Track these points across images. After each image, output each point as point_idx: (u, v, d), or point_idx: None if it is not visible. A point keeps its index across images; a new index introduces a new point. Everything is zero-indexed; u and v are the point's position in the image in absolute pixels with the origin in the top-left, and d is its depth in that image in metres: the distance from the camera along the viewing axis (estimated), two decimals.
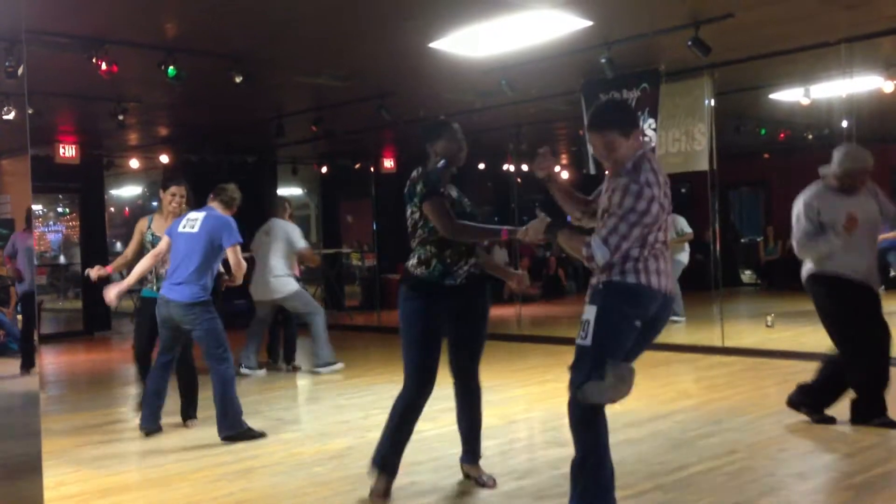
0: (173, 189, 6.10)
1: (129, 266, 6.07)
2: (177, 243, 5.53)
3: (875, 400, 5.14)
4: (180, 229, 5.55)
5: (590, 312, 3.49)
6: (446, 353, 4.19)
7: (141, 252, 6.09)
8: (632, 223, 3.39)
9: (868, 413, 5.16)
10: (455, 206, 4.02)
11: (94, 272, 5.99)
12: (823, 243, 5.02)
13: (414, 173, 3.99)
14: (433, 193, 3.87)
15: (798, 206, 5.18)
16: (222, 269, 5.77)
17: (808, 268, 5.26)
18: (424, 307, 3.99)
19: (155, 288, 5.94)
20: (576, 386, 3.45)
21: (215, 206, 5.67)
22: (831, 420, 5.28)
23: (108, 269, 6.14)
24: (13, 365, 8.38)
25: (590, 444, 3.48)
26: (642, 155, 3.53)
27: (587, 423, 3.48)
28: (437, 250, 3.96)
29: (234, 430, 5.43)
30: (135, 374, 6.27)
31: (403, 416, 4.06)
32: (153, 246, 5.93)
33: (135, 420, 6.02)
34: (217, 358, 5.45)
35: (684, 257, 10.41)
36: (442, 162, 4.01)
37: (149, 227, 6.14)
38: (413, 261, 4.04)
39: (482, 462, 4.38)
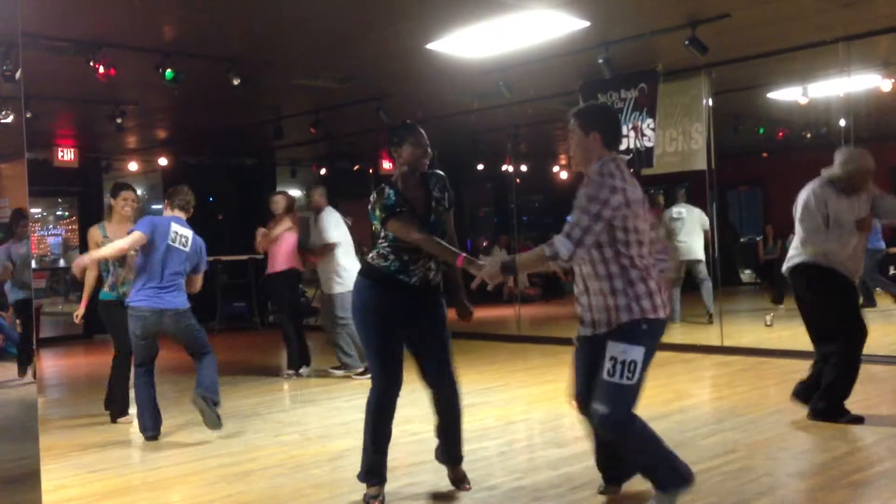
0: (124, 194, 6.37)
1: (100, 279, 6.28)
2: (169, 255, 5.65)
3: (837, 401, 5.22)
4: (171, 242, 5.65)
5: (634, 353, 3.52)
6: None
7: (104, 262, 6.11)
8: (594, 214, 3.40)
9: (829, 413, 5.22)
10: (438, 204, 4.08)
11: (77, 318, 6.43)
12: (836, 240, 5.07)
13: (372, 197, 4.02)
14: (392, 216, 3.94)
15: (806, 195, 5.21)
16: None
17: (797, 259, 5.29)
18: (378, 298, 4.01)
19: (120, 292, 6.08)
20: (614, 420, 3.57)
21: (176, 213, 5.81)
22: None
23: (83, 305, 6.44)
24: (12, 369, 8.38)
25: (645, 447, 3.62)
26: (611, 160, 3.57)
27: (626, 432, 3.58)
28: (397, 249, 4.00)
29: (217, 396, 5.65)
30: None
31: (376, 415, 4.04)
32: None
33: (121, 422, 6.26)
34: (206, 351, 5.76)
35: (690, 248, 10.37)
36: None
37: (105, 237, 6.19)
38: (373, 253, 4.10)
39: (482, 464, 4.37)
